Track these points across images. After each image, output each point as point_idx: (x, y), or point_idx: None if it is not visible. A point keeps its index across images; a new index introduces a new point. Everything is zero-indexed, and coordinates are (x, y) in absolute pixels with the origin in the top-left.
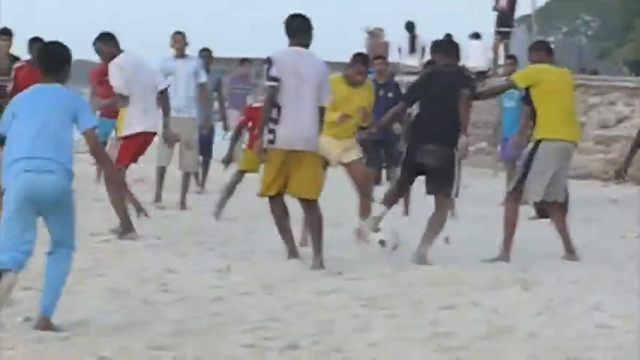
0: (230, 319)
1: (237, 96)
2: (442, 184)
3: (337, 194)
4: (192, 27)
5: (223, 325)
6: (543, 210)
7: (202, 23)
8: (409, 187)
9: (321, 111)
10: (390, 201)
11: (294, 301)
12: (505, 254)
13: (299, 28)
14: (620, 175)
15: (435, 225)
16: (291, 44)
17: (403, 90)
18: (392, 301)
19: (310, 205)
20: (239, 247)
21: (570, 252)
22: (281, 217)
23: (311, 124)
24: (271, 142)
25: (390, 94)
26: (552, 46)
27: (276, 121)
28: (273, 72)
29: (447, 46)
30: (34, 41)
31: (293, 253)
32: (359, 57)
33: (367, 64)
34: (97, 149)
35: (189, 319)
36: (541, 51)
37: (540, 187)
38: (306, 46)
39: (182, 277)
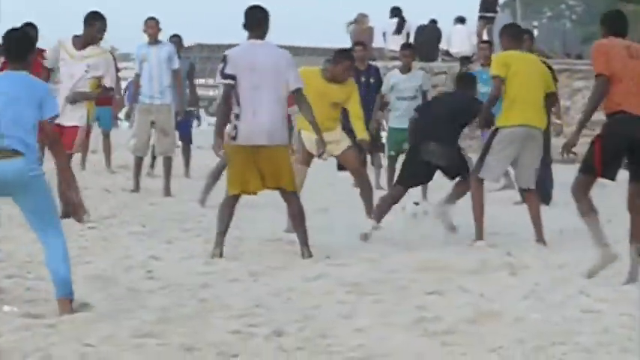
0: (216, 306)
1: None
2: (458, 173)
3: (322, 181)
4: (189, 14)
5: (209, 312)
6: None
7: (201, 10)
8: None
9: (298, 93)
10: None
11: (280, 287)
12: (478, 233)
13: (255, 21)
14: (568, 149)
15: (459, 191)
16: (249, 37)
17: (382, 74)
18: (377, 286)
19: (289, 197)
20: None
21: (540, 241)
22: (227, 213)
23: (272, 117)
24: (233, 138)
25: (371, 80)
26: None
27: (237, 117)
28: (228, 69)
29: (466, 79)
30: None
31: (219, 249)
32: (346, 54)
33: (353, 60)
34: (53, 138)
35: (174, 306)
36: (507, 36)
37: (498, 172)
38: (262, 37)
39: (167, 265)
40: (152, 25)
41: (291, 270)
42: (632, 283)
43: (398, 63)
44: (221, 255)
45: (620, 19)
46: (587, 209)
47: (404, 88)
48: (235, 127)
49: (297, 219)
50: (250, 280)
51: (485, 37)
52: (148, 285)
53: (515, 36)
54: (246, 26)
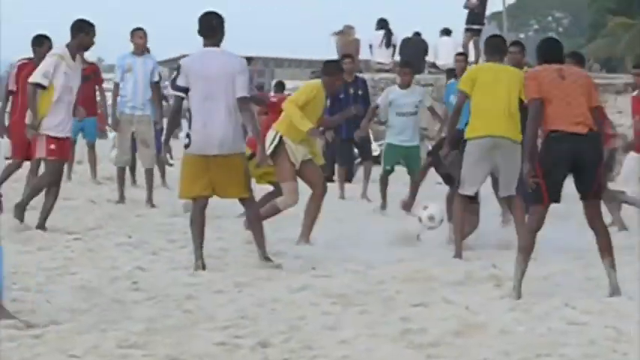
0: (201, 317)
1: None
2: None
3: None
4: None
5: (194, 323)
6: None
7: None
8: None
9: (241, 101)
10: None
11: (266, 298)
12: (457, 250)
13: (209, 28)
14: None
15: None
16: (204, 44)
17: (370, 86)
18: (363, 298)
19: (246, 203)
20: (211, 244)
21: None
22: (198, 223)
23: (223, 128)
24: (186, 146)
25: (359, 92)
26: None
27: (190, 127)
28: (180, 81)
29: None
30: (39, 38)
31: (200, 260)
32: (338, 67)
33: (343, 72)
34: None
35: (160, 317)
36: (485, 48)
37: (474, 184)
38: (213, 45)
39: (153, 276)
40: (141, 36)
41: (276, 281)
42: (616, 295)
43: (385, 75)
44: (204, 267)
45: (552, 48)
46: (529, 247)
47: (403, 103)
48: (188, 136)
49: (254, 224)
50: (235, 291)
51: (471, 49)
52: (133, 296)
53: (494, 47)
54: (200, 33)
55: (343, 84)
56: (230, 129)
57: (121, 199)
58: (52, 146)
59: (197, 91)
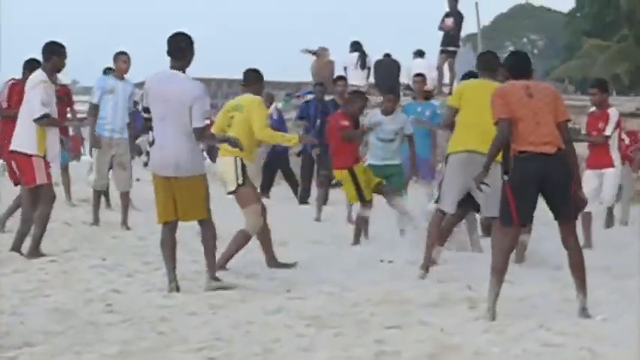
0: (175, 339)
1: None
2: None
3: (282, 215)
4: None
5: (168, 345)
6: (487, 228)
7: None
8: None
9: (197, 132)
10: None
11: (240, 320)
12: (424, 262)
13: (177, 50)
14: (477, 183)
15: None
16: (170, 66)
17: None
18: (337, 320)
19: (202, 224)
20: (185, 267)
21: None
22: (168, 246)
23: (177, 151)
24: (145, 164)
25: None
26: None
27: (151, 146)
28: (145, 101)
29: None
30: (31, 62)
31: (174, 283)
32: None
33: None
34: None
35: (134, 340)
36: (478, 64)
37: (450, 200)
38: (180, 67)
39: (127, 298)
40: (125, 60)
41: (251, 303)
42: (584, 316)
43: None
44: (178, 289)
45: (519, 62)
46: (502, 268)
47: (385, 129)
48: (147, 154)
49: (208, 242)
50: (210, 313)
51: (446, 70)
52: (108, 318)
53: (485, 64)
54: (168, 53)
55: (334, 105)
56: (184, 153)
57: (96, 221)
58: (48, 170)
59: (155, 112)
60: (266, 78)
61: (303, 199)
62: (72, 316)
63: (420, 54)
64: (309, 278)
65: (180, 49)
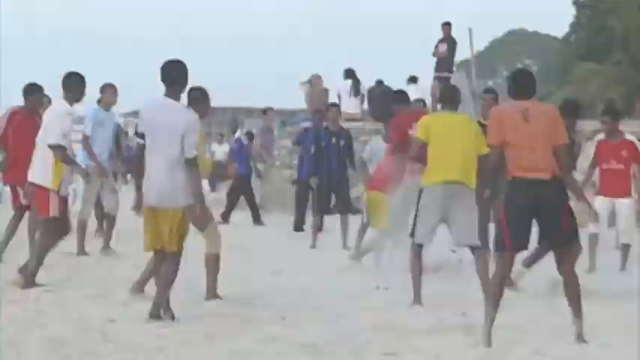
0: None
1: (267, 148)
2: None
3: (276, 243)
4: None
5: None
6: None
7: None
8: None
9: (188, 162)
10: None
11: (236, 349)
12: (415, 297)
13: (169, 78)
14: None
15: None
16: (164, 93)
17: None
18: (333, 347)
19: (169, 257)
20: (180, 294)
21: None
22: (159, 274)
23: (162, 180)
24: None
25: (341, 142)
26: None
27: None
28: (139, 127)
29: None
30: (31, 87)
31: (170, 311)
32: (204, 92)
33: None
34: None
35: None
36: (442, 97)
37: (426, 233)
38: (175, 95)
39: (123, 327)
40: (114, 92)
41: (247, 331)
42: (580, 342)
43: (355, 124)
44: (173, 318)
45: (521, 80)
46: (497, 294)
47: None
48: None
49: (163, 279)
50: (206, 342)
51: None
52: (103, 348)
53: (450, 98)
54: (161, 80)
55: (328, 132)
56: (168, 183)
57: (82, 251)
58: (62, 204)
59: (146, 140)
60: (263, 106)
61: (298, 227)
62: (68, 345)
63: (413, 80)
64: (304, 306)
65: (173, 77)
